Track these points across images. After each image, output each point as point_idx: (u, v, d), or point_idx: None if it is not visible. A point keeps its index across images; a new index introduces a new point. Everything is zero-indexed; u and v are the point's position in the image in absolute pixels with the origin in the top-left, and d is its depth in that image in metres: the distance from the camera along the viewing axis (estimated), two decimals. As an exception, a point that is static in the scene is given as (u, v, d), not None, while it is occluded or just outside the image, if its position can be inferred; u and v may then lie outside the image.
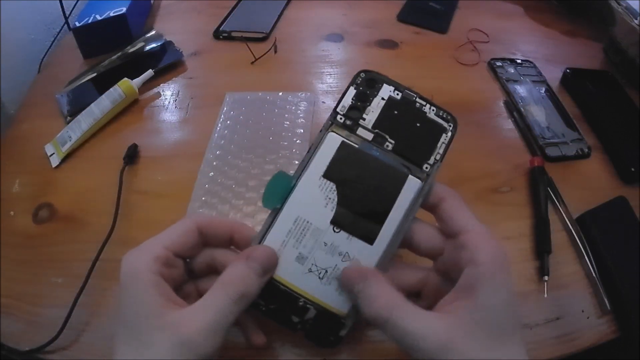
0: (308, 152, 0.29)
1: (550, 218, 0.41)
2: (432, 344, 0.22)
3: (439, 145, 0.29)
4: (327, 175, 0.28)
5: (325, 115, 0.51)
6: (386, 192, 0.28)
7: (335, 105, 0.29)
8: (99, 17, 0.57)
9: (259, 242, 0.27)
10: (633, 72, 0.55)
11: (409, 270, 0.29)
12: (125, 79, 0.51)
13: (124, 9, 0.58)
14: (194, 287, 0.29)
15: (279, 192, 0.28)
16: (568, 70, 0.56)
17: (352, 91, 0.30)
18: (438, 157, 0.29)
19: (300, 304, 0.27)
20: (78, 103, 0.52)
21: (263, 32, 0.62)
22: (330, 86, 0.55)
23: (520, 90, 0.54)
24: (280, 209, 0.28)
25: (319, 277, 0.27)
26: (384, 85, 0.30)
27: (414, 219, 0.28)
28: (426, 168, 0.29)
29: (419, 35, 0.64)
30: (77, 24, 0.57)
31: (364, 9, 0.69)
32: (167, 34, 0.61)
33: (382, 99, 0.30)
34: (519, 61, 0.59)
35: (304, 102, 0.52)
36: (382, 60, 0.59)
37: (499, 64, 0.58)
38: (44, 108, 0.54)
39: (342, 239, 0.27)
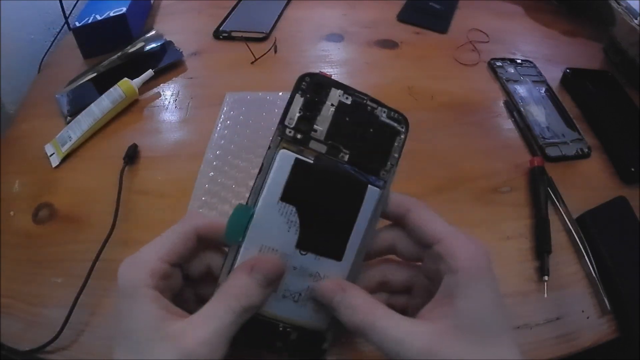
0: (260, 173, 0.26)
1: (550, 218, 0.41)
2: (415, 350, 0.22)
3: (393, 149, 0.28)
4: (285, 198, 0.26)
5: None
6: (348, 206, 0.27)
7: (281, 117, 0.26)
8: (99, 17, 0.57)
9: (228, 268, 0.26)
10: (633, 72, 0.55)
11: (399, 268, 0.29)
12: (125, 79, 0.51)
13: (124, 9, 0.58)
14: (192, 292, 0.29)
15: (240, 224, 0.26)
16: (568, 70, 0.56)
17: (298, 99, 0.26)
18: (394, 161, 0.28)
19: (281, 329, 0.26)
20: (78, 103, 0.52)
21: (263, 32, 0.62)
22: (330, 86, 0.55)
23: (520, 90, 0.54)
24: (242, 240, 0.26)
25: (294, 301, 0.26)
26: (332, 89, 0.27)
27: (392, 227, 0.28)
28: (383, 175, 0.27)
29: (419, 35, 0.64)
30: (77, 24, 0.57)
31: (364, 9, 0.69)
32: (167, 34, 0.61)
33: (332, 105, 0.27)
34: (519, 61, 0.59)
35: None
36: (382, 60, 0.59)
37: (499, 64, 0.58)
38: (44, 108, 0.54)
39: (310, 260, 0.26)
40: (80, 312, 0.34)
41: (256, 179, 0.26)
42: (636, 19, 0.53)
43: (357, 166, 0.27)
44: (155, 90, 0.55)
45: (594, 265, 0.37)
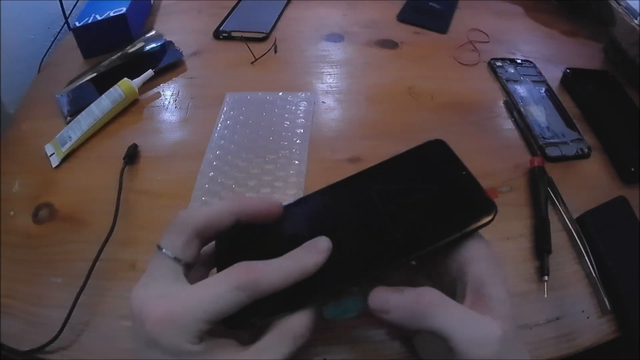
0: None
1: (550, 218, 0.41)
2: (490, 338, 0.22)
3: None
4: None
5: (325, 115, 0.51)
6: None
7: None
8: (99, 17, 0.57)
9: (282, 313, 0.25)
10: (633, 72, 0.55)
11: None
12: (125, 79, 0.51)
13: (124, 9, 0.58)
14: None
15: (344, 311, 0.26)
16: (568, 70, 0.56)
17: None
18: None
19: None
20: (78, 103, 0.52)
21: (263, 32, 0.62)
22: (330, 86, 0.55)
23: (520, 90, 0.54)
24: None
25: None
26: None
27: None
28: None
29: (419, 35, 0.64)
30: (77, 24, 0.57)
31: (364, 9, 0.69)
32: (167, 34, 0.61)
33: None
34: (519, 61, 0.59)
35: (304, 102, 0.52)
36: (382, 60, 0.59)
37: (499, 64, 0.58)
38: (44, 108, 0.54)
39: None
40: (80, 312, 0.34)
41: None
42: (636, 19, 0.53)
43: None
44: (155, 90, 0.55)
45: (594, 265, 0.37)
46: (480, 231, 0.25)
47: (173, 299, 0.23)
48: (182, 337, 0.22)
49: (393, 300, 0.24)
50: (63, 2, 0.63)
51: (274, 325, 0.24)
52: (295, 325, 0.24)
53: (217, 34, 0.63)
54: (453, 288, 0.26)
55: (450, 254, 0.25)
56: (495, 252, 0.25)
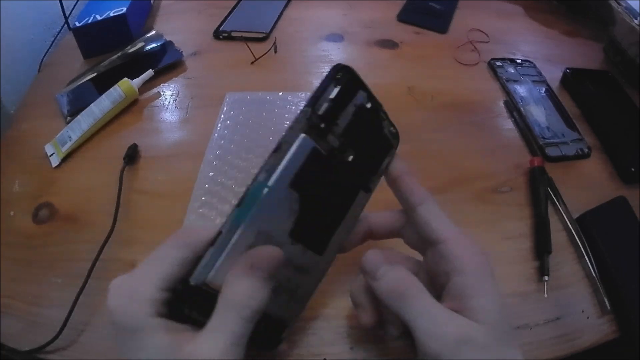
0: (275, 151, 0.24)
1: (550, 218, 0.41)
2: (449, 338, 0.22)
3: (384, 162, 0.28)
4: (294, 184, 0.24)
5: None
6: (341, 205, 0.27)
7: (311, 100, 0.25)
8: (99, 17, 0.57)
9: (218, 255, 0.23)
10: (633, 72, 0.55)
11: (385, 218, 0.30)
12: (125, 79, 0.51)
13: (124, 9, 0.58)
14: None
15: (250, 201, 0.24)
16: (568, 70, 0.56)
17: (332, 89, 0.25)
18: (381, 172, 0.28)
19: None
20: (78, 103, 0.52)
21: (263, 32, 0.62)
22: (330, 86, 0.55)
23: (520, 90, 0.54)
24: (245, 216, 0.24)
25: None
26: (360, 90, 0.27)
27: (403, 212, 0.29)
28: (372, 182, 0.28)
29: (419, 35, 0.64)
30: (77, 24, 0.57)
31: (364, 9, 0.69)
32: (167, 34, 0.61)
33: (355, 105, 0.26)
34: (519, 61, 0.59)
35: (304, 102, 0.51)
36: (382, 60, 0.59)
37: (499, 64, 0.58)
38: (44, 108, 0.54)
39: (297, 251, 0.26)
40: (80, 312, 0.34)
41: (270, 157, 0.24)
42: (636, 19, 0.53)
43: (357, 169, 0.27)
44: (155, 90, 0.55)
45: (594, 265, 0.37)
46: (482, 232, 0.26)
47: (127, 275, 0.23)
48: (135, 307, 0.22)
49: (381, 271, 0.26)
50: (63, 2, 0.63)
51: (218, 302, 0.23)
52: (236, 295, 0.23)
53: (217, 34, 0.63)
54: (440, 288, 0.26)
55: (438, 260, 0.26)
56: (486, 260, 0.25)
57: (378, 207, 0.29)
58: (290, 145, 0.24)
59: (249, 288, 0.23)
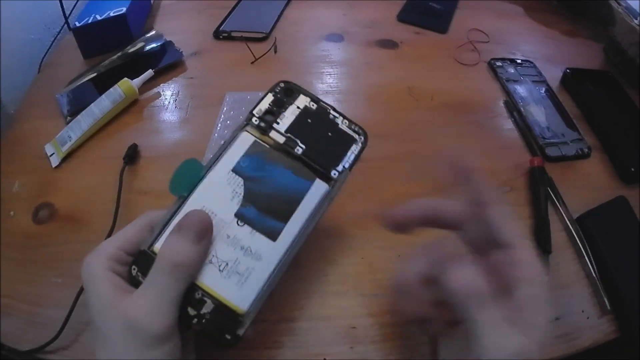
0: (220, 147, 0.30)
1: (550, 218, 0.41)
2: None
3: (348, 154, 0.31)
4: (236, 170, 0.29)
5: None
6: (292, 193, 0.29)
7: (251, 108, 0.31)
8: (99, 17, 0.58)
9: (163, 227, 0.27)
10: (633, 72, 0.55)
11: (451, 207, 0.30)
12: (125, 79, 0.51)
13: (124, 9, 0.58)
14: None
15: (188, 180, 0.29)
16: (568, 70, 0.56)
17: (269, 97, 0.32)
18: (347, 165, 0.30)
19: (198, 296, 0.26)
20: (78, 103, 0.52)
21: (263, 32, 0.62)
22: (330, 86, 0.55)
23: (520, 90, 0.54)
24: (187, 197, 0.28)
25: (219, 270, 0.26)
26: (301, 95, 0.32)
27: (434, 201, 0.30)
28: (334, 174, 0.30)
29: (419, 35, 0.64)
30: (77, 24, 0.57)
31: (364, 9, 0.69)
32: (167, 34, 0.61)
33: (298, 107, 0.32)
34: (519, 61, 0.59)
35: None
36: (382, 60, 0.59)
37: (499, 64, 0.58)
38: (44, 108, 0.53)
39: (246, 233, 0.27)
40: (80, 312, 0.34)
41: (218, 149, 0.30)
42: (636, 19, 0.53)
43: (310, 160, 0.30)
44: (155, 90, 0.55)
45: (594, 265, 0.37)
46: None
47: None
48: (94, 259, 0.26)
49: (457, 267, 0.25)
50: (63, 2, 0.63)
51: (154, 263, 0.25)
52: (163, 253, 0.25)
53: (217, 34, 0.63)
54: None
55: (505, 264, 0.25)
56: (543, 278, 0.26)
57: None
58: (233, 139, 0.30)
59: (175, 245, 0.25)
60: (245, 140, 0.30)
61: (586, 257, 0.38)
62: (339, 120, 0.32)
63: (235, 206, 0.28)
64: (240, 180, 0.29)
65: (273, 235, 0.28)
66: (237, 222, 0.28)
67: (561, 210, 0.42)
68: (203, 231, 0.26)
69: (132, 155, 0.46)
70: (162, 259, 0.25)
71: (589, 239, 0.39)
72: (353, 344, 0.33)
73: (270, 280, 0.27)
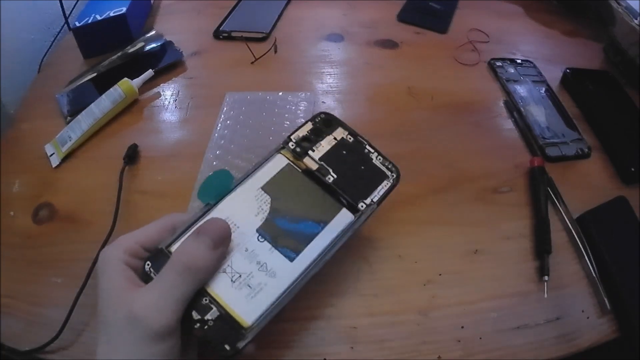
0: (255, 164, 0.31)
1: (550, 218, 0.41)
2: None
3: (378, 189, 0.32)
4: (266, 188, 0.30)
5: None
6: (317, 217, 0.30)
7: (291, 133, 0.33)
8: (99, 17, 0.57)
9: (184, 230, 0.28)
10: (633, 72, 0.55)
11: None
12: (125, 79, 0.51)
13: (124, 9, 0.58)
14: None
15: (217, 189, 0.30)
16: (568, 70, 0.56)
17: (308, 125, 0.34)
18: (375, 199, 0.31)
19: (205, 301, 0.26)
20: (78, 103, 0.52)
21: (263, 32, 0.62)
22: (330, 86, 0.55)
23: (520, 90, 0.54)
24: (214, 205, 0.29)
25: (231, 280, 0.27)
26: (339, 127, 0.34)
27: None
28: (361, 207, 0.31)
29: (419, 35, 0.64)
30: (77, 24, 0.57)
31: (364, 9, 0.69)
32: (167, 34, 0.61)
33: (335, 138, 0.33)
34: (519, 61, 0.59)
35: (304, 102, 0.52)
36: (382, 60, 0.59)
37: (499, 64, 0.58)
38: (44, 108, 0.53)
39: (264, 249, 0.28)
40: (80, 312, 0.34)
41: (249, 169, 0.31)
42: (636, 19, 0.53)
43: (340, 190, 0.31)
44: (155, 90, 0.55)
45: (594, 265, 0.37)
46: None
47: None
48: (111, 250, 0.26)
49: None
50: (63, 2, 0.63)
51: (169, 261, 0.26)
52: (178, 253, 0.26)
53: (217, 34, 0.63)
54: None
55: None
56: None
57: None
58: (268, 159, 0.32)
59: (190, 248, 0.26)
60: (279, 161, 0.32)
61: (586, 257, 0.38)
62: (374, 155, 0.33)
63: (258, 222, 0.29)
64: (267, 198, 0.30)
65: (291, 257, 0.28)
66: (258, 237, 0.29)
67: (561, 210, 0.42)
68: (220, 239, 0.27)
69: (132, 155, 0.46)
70: (175, 258, 0.26)
71: (589, 239, 0.39)
72: (353, 344, 0.33)
73: (280, 299, 0.27)
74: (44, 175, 0.46)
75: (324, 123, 0.34)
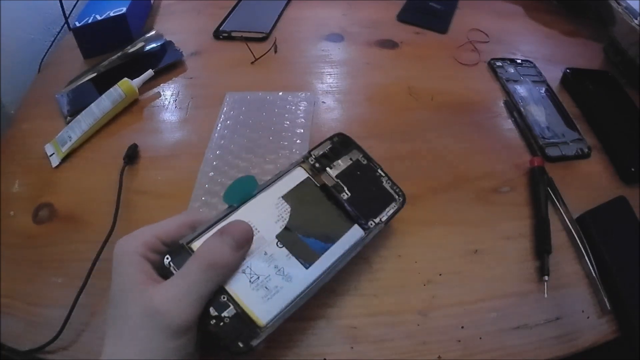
0: (276, 174, 0.33)
1: (550, 218, 0.41)
2: None
3: (387, 210, 0.35)
4: (286, 198, 0.32)
5: (325, 115, 0.51)
6: (331, 230, 0.32)
7: (311, 149, 0.36)
8: (99, 17, 0.57)
9: (206, 228, 0.29)
10: (633, 72, 0.55)
11: None
12: (125, 79, 0.51)
13: (124, 9, 0.58)
14: None
15: (241, 193, 0.31)
16: (568, 70, 0.56)
17: (327, 144, 0.36)
18: (384, 219, 0.34)
19: (223, 299, 0.27)
20: (78, 103, 0.52)
21: (263, 32, 0.62)
22: (330, 86, 0.55)
23: (520, 90, 0.54)
24: (237, 208, 0.31)
25: (250, 281, 0.28)
26: (355, 150, 0.37)
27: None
28: (371, 224, 0.34)
29: (419, 35, 0.64)
30: (77, 24, 0.57)
31: (364, 9, 0.69)
32: (167, 34, 0.61)
33: (351, 159, 0.36)
34: (519, 61, 0.59)
35: (304, 102, 0.52)
36: (382, 60, 0.59)
37: (499, 64, 0.58)
38: (44, 108, 0.54)
39: (282, 254, 0.30)
40: (80, 312, 0.34)
41: (275, 175, 0.33)
42: (636, 19, 0.53)
43: (353, 206, 0.34)
44: (155, 90, 0.55)
45: (594, 265, 0.37)
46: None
47: None
48: (130, 242, 0.26)
49: None
50: (63, 2, 0.63)
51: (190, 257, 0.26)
52: (200, 251, 0.26)
53: (217, 34, 0.63)
54: None
55: None
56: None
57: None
58: (289, 171, 0.34)
59: (214, 246, 0.27)
60: (299, 174, 0.34)
61: (586, 257, 0.38)
62: (384, 179, 0.36)
63: (278, 229, 0.31)
64: (287, 208, 0.32)
65: (307, 264, 0.30)
66: (277, 243, 0.30)
67: (561, 210, 0.42)
68: (243, 241, 0.28)
69: (132, 155, 0.46)
70: (199, 255, 0.26)
71: (589, 239, 0.39)
72: (353, 344, 0.33)
73: (294, 302, 0.29)
74: (44, 175, 0.46)
75: (341, 144, 0.37)
